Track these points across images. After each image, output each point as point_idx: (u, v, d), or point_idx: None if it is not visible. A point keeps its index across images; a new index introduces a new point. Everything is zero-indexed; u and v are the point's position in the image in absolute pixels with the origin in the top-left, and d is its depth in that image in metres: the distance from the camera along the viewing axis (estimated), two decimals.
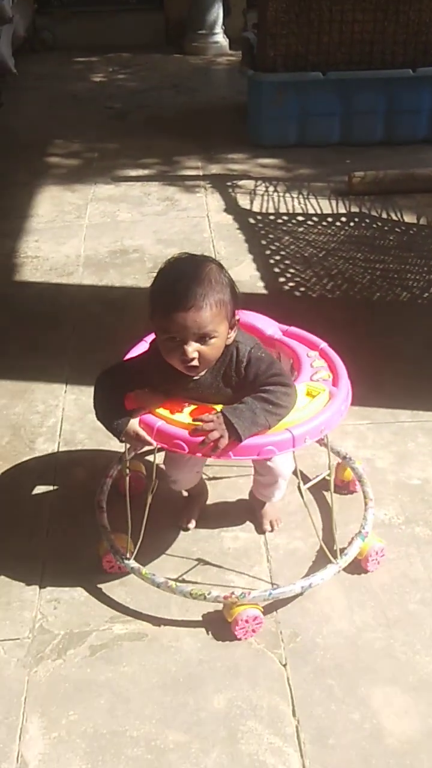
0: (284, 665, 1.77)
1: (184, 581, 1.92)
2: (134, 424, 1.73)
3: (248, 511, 2.16)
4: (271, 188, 4.31)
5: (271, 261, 3.55)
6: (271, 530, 2.12)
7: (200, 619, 1.87)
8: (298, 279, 3.40)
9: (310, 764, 1.57)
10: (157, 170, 4.60)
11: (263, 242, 3.72)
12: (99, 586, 1.97)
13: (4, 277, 3.45)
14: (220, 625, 1.84)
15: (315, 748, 1.60)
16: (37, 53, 7.24)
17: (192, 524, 2.14)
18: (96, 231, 3.86)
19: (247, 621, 1.80)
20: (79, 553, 2.05)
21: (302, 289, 3.33)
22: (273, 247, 3.67)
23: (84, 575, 2.00)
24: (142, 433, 1.72)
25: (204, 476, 2.19)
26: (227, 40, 7.34)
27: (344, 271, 3.45)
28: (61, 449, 2.42)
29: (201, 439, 1.64)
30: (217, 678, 1.74)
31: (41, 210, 4.10)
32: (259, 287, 3.34)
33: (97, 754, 1.60)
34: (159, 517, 2.00)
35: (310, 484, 1.87)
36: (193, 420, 1.68)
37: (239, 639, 1.81)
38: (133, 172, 4.57)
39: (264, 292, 3.31)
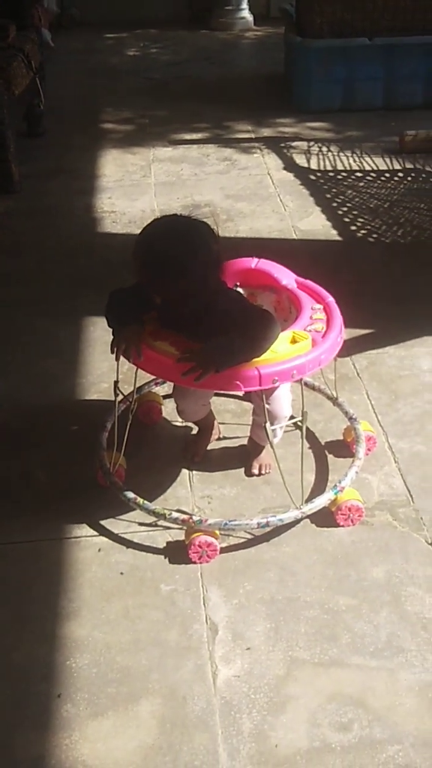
0: (430, 544, 1.95)
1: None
2: (136, 333, 1.84)
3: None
4: (324, 148, 4.47)
5: (339, 212, 3.72)
6: (258, 475, 2.16)
7: None
8: (368, 227, 3.57)
9: None
10: (211, 134, 4.75)
11: (327, 196, 3.89)
12: (247, 485, 2.15)
13: (89, 229, 3.61)
14: (363, 513, 2.03)
15: None
16: (66, 29, 7.35)
17: (197, 458, 2.21)
18: (164, 188, 4.01)
19: (200, 546, 1.88)
20: (225, 458, 2.23)
21: (375, 235, 3.50)
22: (338, 200, 3.84)
23: (230, 476, 2.18)
24: (138, 347, 1.82)
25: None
26: (252, 15, 7.47)
27: (411, 220, 3.63)
28: None
29: (183, 368, 1.74)
30: (372, 554, 1.93)
31: (107, 171, 4.25)
32: (333, 235, 3.51)
33: (277, 616, 1.78)
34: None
35: (278, 426, 1.98)
36: (179, 350, 1.77)
37: (194, 562, 1.89)
38: (188, 136, 4.71)
39: (339, 239, 3.49)
